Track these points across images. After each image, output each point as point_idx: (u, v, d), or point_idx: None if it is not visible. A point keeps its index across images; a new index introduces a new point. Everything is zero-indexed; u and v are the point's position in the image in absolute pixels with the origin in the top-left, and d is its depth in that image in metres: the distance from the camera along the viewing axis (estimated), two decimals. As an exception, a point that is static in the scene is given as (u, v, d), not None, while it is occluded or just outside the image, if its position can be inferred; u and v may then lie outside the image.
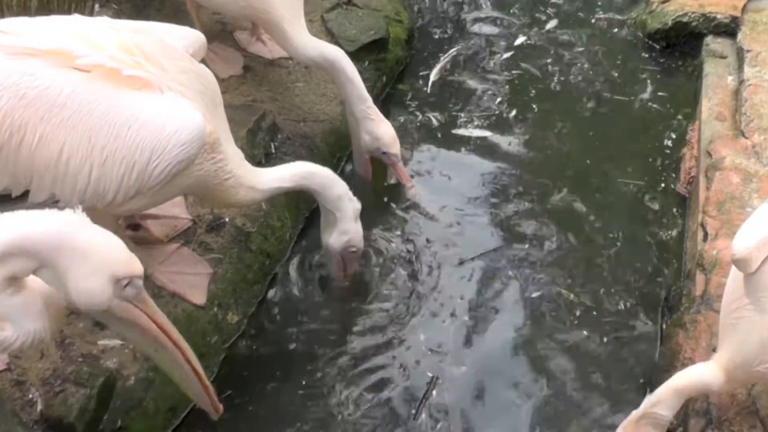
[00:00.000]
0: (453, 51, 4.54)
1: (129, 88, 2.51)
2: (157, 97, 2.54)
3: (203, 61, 2.89)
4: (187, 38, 2.85)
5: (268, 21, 3.56)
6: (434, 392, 3.00)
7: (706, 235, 3.30)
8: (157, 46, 2.64)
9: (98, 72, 2.50)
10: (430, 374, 3.05)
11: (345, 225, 3.09)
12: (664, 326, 3.20)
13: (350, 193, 3.07)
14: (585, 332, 3.23)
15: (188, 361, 2.42)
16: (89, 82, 2.48)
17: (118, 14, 3.93)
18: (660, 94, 4.36)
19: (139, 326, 2.27)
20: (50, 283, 2.11)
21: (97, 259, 2.08)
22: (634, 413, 2.55)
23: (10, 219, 2.04)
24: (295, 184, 2.99)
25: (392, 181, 3.75)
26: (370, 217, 3.39)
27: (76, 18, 2.70)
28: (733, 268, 2.45)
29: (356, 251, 3.19)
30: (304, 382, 3.01)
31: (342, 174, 3.82)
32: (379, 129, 3.57)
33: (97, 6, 3.83)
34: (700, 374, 2.52)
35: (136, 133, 2.50)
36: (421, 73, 4.46)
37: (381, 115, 3.60)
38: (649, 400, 2.54)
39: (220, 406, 2.60)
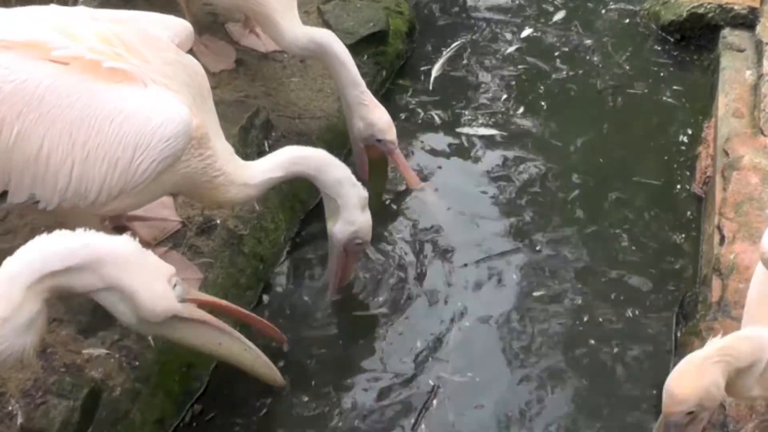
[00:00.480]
0: (456, 45, 4.53)
1: (110, 80, 2.48)
2: (140, 90, 2.51)
3: (192, 53, 2.86)
4: (172, 28, 2.82)
5: (260, 12, 3.53)
6: (434, 402, 2.97)
7: (722, 238, 3.27)
8: (140, 36, 2.61)
9: (77, 64, 2.46)
10: (430, 383, 3.03)
11: (350, 214, 3.00)
12: (678, 334, 3.18)
13: (353, 178, 2.98)
14: (594, 340, 3.20)
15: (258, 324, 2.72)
16: (68, 74, 2.45)
17: (103, 5, 3.88)
18: (674, 89, 4.34)
19: (204, 320, 2.42)
20: (110, 303, 2.29)
21: (150, 268, 2.28)
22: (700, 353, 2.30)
23: (77, 235, 2.20)
24: (288, 171, 2.91)
25: (397, 186, 3.71)
26: (375, 217, 3.33)
27: (53, 8, 2.66)
28: (759, 269, 2.40)
29: (362, 244, 3.12)
30: (300, 394, 2.99)
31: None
32: (374, 114, 3.54)
33: (79, -3, 3.80)
34: None
35: (118, 128, 2.47)
36: (422, 68, 4.44)
37: (375, 101, 3.57)
38: (717, 342, 2.31)
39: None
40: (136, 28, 2.65)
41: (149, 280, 2.26)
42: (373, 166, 3.70)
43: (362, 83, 3.53)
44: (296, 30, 3.53)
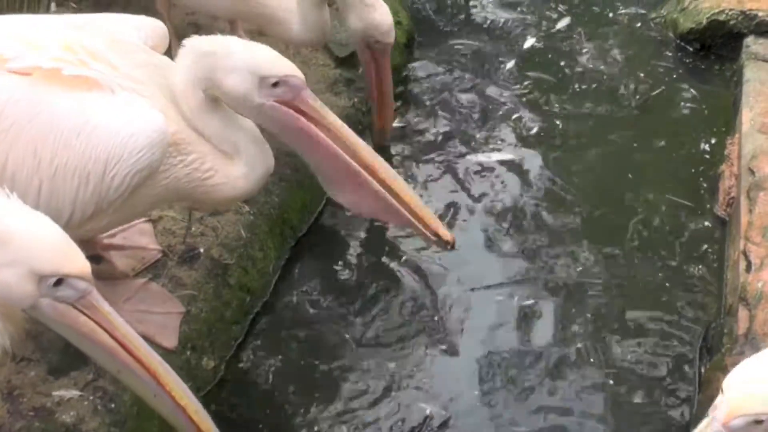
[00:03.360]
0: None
1: (76, 90, 2.47)
2: (108, 98, 2.49)
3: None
4: (143, 28, 2.80)
5: (266, 13, 3.53)
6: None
7: (749, 264, 3.26)
8: (106, 40, 2.59)
9: (38, 75, 2.45)
10: (425, 408, 3.05)
11: (226, 58, 2.64)
12: (702, 369, 3.17)
13: None
14: (609, 377, 3.19)
15: (167, 392, 2.30)
16: (30, 86, 2.44)
17: (77, 13, 3.90)
18: (694, 103, 4.37)
19: (85, 336, 2.18)
20: None
21: (17, 248, 2.04)
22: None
23: None
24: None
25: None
26: (373, 242, 3.40)
27: (12, 17, 2.65)
28: None
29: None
30: (290, 427, 3.00)
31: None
32: (376, 14, 3.59)
33: (53, 5, 3.80)
34: None
35: (87, 140, 2.46)
36: (422, 83, 4.44)
37: (379, 1, 3.62)
38: None
39: None
40: (104, 32, 2.63)
41: (3, 264, 2.03)
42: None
43: None
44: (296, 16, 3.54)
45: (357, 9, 3.56)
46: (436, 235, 2.98)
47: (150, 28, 2.82)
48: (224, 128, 2.67)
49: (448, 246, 3.02)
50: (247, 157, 2.71)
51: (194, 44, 2.64)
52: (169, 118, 2.56)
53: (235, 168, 2.72)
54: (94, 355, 2.29)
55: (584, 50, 4.64)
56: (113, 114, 2.48)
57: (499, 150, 4.09)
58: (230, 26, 4.03)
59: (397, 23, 4.51)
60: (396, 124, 4.11)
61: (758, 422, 2.00)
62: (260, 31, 3.80)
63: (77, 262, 2.10)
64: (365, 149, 2.83)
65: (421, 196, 3.79)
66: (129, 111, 2.50)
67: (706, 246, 3.65)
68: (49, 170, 2.47)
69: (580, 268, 3.56)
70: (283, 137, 2.76)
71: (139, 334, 2.90)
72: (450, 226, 3.70)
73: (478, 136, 4.16)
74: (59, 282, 2.08)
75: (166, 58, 2.74)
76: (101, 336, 2.19)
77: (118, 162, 2.48)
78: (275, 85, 2.61)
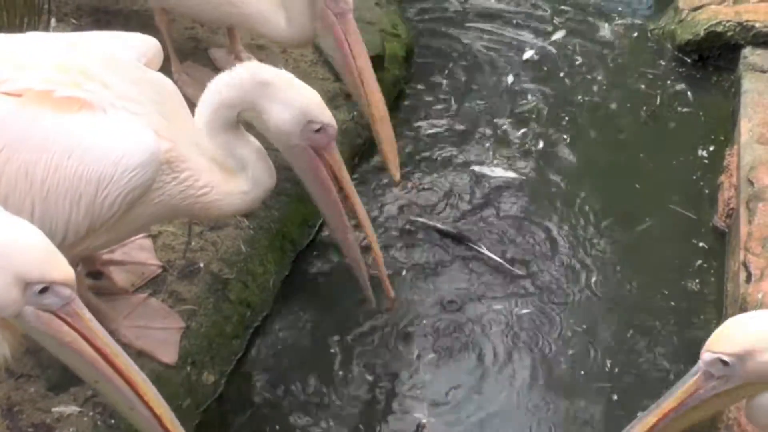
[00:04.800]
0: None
1: (67, 111, 2.46)
2: (99, 119, 2.48)
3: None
4: (137, 46, 2.79)
5: (253, 14, 3.52)
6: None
7: (749, 275, 3.25)
8: (99, 59, 2.59)
9: (30, 96, 2.45)
10: (417, 420, 3.07)
11: (281, 97, 2.65)
12: (703, 382, 3.14)
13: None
14: (609, 388, 3.18)
15: (145, 402, 2.24)
16: (21, 108, 2.44)
17: (77, 30, 3.89)
18: (693, 114, 4.37)
19: (67, 345, 2.14)
20: None
21: (2, 255, 2.01)
22: None
23: None
24: (225, 123, 2.68)
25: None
26: None
27: (7, 37, 2.65)
28: None
29: (325, 128, 2.71)
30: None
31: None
32: None
33: (53, 21, 3.80)
34: None
35: (78, 162, 2.45)
36: (422, 95, 4.44)
37: None
38: None
39: None
40: (96, 51, 2.62)
41: None
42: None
43: None
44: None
45: None
46: None
47: (144, 45, 2.81)
48: (235, 145, 2.71)
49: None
50: (253, 174, 2.72)
51: (254, 69, 2.69)
52: (161, 136, 2.55)
53: (236, 184, 2.72)
54: (73, 364, 2.23)
55: (581, 62, 4.64)
56: (104, 135, 2.48)
57: (499, 162, 4.08)
58: (229, 40, 4.03)
59: (396, 36, 4.53)
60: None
61: (724, 363, 2.12)
62: (252, 33, 3.77)
63: (62, 269, 2.08)
64: (364, 219, 3.03)
65: (420, 209, 3.84)
66: (120, 131, 2.49)
67: (705, 257, 3.64)
68: (42, 192, 2.46)
69: (579, 279, 3.55)
70: (298, 172, 2.87)
71: (138, 350, 2.95)
72: (450, 238, 3.70)
73: (478, 148, 4.15)
74: (44, 289, 2.05)
75: (160, 75, 2.74)
76: (82, 345, 2.15)
77: (109, 183, 2.47)
78: (317, 131, 2.70)
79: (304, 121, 2.68)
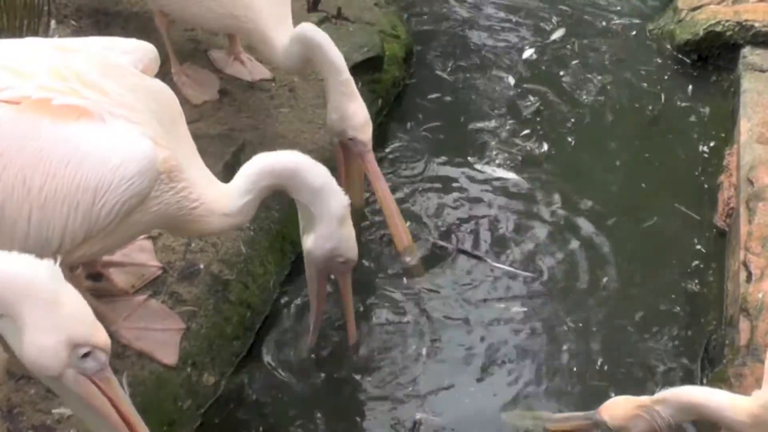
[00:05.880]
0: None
1: (64, 119, 2.45)
2: (97, 127, 2.47)
3: (172, 84, 2.83)
4: (134, 52, 2.78)
5: (252, 29, 3.51)
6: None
7: (749, 275, 3.26)
8: (96, 65, 2.58)
9: (27, 104, 2.44)
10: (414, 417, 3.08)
11: (326, 227, 2.83)
12: (704, 381, 3.15)
13: (333, 184, 2.82)
14: (609, 388, 3.16)
15: None
16: (18, 116, 2.42)
17: (77, 32, 3.92)
18: (692, 113, 4.37)
19: (95, 409, 2.18)
20: (7, 335, 2.08)
21: (58, 315, 2.04)
22: (638, 399, 2.60)
23: None
24: (263, 188, 2.78)
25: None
26: (372, 257, 3.45)
27: (4, 42, 2.64)
28: None
29: (346, 263, 2.93)
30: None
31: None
32: (350, 107, 3.37)
33: (53, 23, 3.80)
34: (721, 401, 2.47)
35: (75, 170, 2.44)
36: (422, 96, 4.44)
37: (356, 93, 3.41)
38: (659, 394, 2.56)
39: None
40: (93, 57, 2.61)
41: (46, 326, 2.04)
42: (350, 169, 3.50)
43: (345, 72, 3.37)
44: (286, 41, 3.48)
45: (334, 99, 3.38)
46: None
47: (141, 51, 2.80)
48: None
49: None
50: (245, 205, 2.78)
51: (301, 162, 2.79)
52: (159, 145, 2.54)
53: (223, 204, 2.75)
54: (92, 423, 2.28)
55: (580, 62, 4.65)
56: (102, 143, 2.47)
57: (499, 163, 4.08)
58: (229, 41, 4.03)
59: (396, 37, 4.53)
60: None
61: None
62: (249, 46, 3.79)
63: (104, 335, 2.13)
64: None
65: (422, 206, 3.84)
66: (118, 139, 2.48)
67: (705, 257, 3.65)
68: (39, 199, 2.45)
69: (579, 279, 3.55)
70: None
71: (138, 351, 2.94)
72: (450, 238, 3.70)
73: (479, 149, 4.15)
74: (87, 353, 2.10)
75: (158, 82, 2.73)
76: (109, 410, 2.21)
77: (107, 191, 2.47)
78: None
79: (334, 223, 2.85)
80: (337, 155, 3.51)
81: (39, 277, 2.04)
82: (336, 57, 3.37)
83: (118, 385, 2.21)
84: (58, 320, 2.04)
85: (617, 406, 2.64)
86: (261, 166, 2.78)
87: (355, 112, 3.35)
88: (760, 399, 2.42)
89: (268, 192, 2.81)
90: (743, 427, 2.44)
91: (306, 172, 2.78)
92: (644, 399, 2.58)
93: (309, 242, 2.88)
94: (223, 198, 2.77)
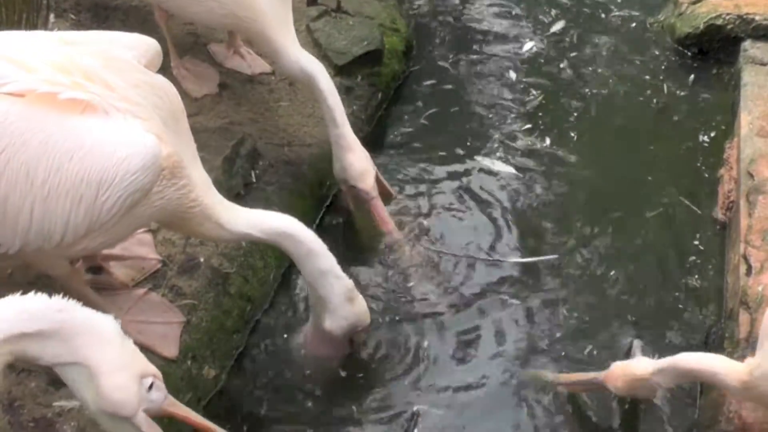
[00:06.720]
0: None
1: (69, 112, 2.45)
2: (101, 121, 2.48)
3: (172, 77, 2.84)
4: (137, 47, 2.78)
5: (254, 30, 3.52)
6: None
7: (749, 268, 3.25)
8: (100, 60, 2.58)
9: (32, 97, 2.44)
10: (412, 409, 3.10)
11: (339, 308, 3.00)
12: (704, 374, 3.14)
13: (337, 270, 2.96)
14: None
15: None
16: (23, 109, 2.43)
17: (76, 25, 3.91)
18: (693, 107, 4.36)
19: None
20: (73, 381, 2.21)
21: (124, 355, 2.20)
22: (637, 371, 2.79)
23: (55, 299, 2.15)
24: (271, 240, 2.91)
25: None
26: (372, 250, 3.46)
27: (8, 35, 2.64)
28: None
29: (364, 330, 3.14)
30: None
31: (331, 206, 3.78)
32: (348, 158, 3.50)
33: (52, 17, 3.79)
34: (718, 365, 2.63)
35: (79, 164, 2.45)
36: (421, 90, 4.43)
37: (354, 143, 3.52)
38: (654, 365, 2.74)
39: None
40: (97, 51, 2.61)
41: (117, 367, 2.18)
42: (360, 209, 3.65)
43: (344, 122, 3.50)
44: (290, 52, 3.51)
45: (335, 149, 3.52)
46: None
47: (143, 46, 2.80)
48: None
49: None
50: (240, 235, 2.87)
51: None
52: (162, 140, 2.55)
53: (217, 212, 2.79)
54: None
55: (581, 55, 4.63)
56: (106, 137, 2.47)
57: (500, 156, 4.07)
58: (229, 35, 4.03)
59: (395, 30, 4.52)
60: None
61: None
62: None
63: (153, 366, 2.30)
64: None
65: (421, 203, 3.83)
66: (122, 134, 2.49)
67: (705, 250, 3.64)
68: (42, 192, 2.45)
69: (578, 273, 3.56)
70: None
71: (138, 344, 2.93)
72: (450, 231, 3.71)
73: (479, 142, 4.14)
74: (151, 385, 2.25)
75: (161, 77, 2.73)
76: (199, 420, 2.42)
77: (110, 185, 2.48)
78: None
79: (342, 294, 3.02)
80: (344, 199, 3.69)
81: (106, 322, 2.20)
82: (334, 104, 3.49)
83: (184, 405, 2.39)
84: (126, 357, 2.21)
85: (617, 378, 2.85)
86: (285, 229, 2.90)
87: (351, 164, 3.50)
88: (752, 365, 2.55)
89: (270, 243, 2.95)
90: (736, 391, 2.63)
91: (317, 254, 2.93)
92: (642, 371, 2.75)
93: (327, 323, 3.04)
94: (223, 210, 2.82)
